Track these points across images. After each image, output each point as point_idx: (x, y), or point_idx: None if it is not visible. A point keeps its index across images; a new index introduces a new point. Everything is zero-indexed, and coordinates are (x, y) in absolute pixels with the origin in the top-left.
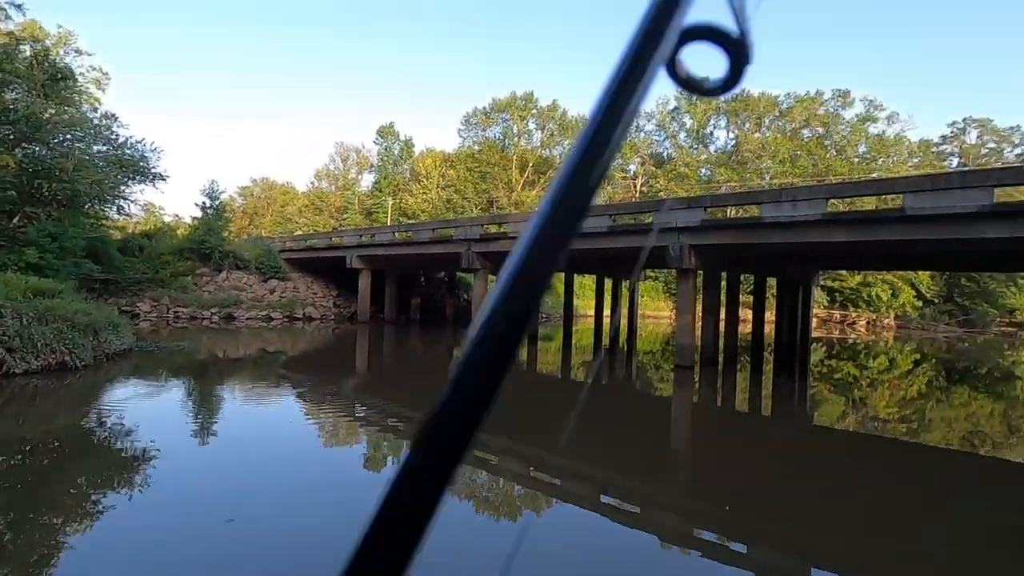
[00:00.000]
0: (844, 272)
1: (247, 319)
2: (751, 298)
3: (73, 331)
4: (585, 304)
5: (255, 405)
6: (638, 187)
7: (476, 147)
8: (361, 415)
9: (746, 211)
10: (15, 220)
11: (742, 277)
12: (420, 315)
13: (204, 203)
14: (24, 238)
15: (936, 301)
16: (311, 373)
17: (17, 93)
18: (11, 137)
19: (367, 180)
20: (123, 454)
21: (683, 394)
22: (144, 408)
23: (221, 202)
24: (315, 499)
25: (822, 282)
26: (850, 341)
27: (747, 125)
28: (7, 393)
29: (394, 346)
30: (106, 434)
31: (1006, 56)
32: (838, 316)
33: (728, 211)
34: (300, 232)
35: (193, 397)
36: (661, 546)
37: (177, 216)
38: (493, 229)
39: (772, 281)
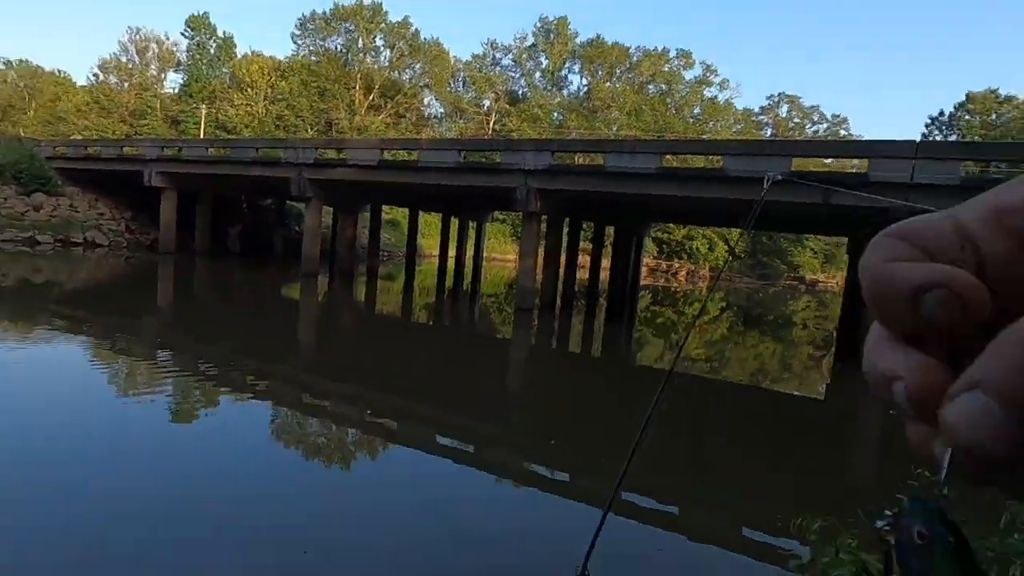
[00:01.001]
0: (672, 225)
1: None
2: (590, 245)
3: None
4: (430, 243)
5: (14, 350)
6: (490, 124)
7: (314, 58)
8: (163, 362)
9: (592, 159)
10: None
11: (584, 224)
12: (241, 246)
13: None
14: None
15: (743, 256)
16: (95, 311)
17: None
18: None
19: (173, 80)
20: None
21: (521, 336)
22: None
23: None
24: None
25: (653, 233)
26: (672, 288)
27: (600, 73)
28: None
29: (206, 281)
30: None
31: (820, 41)
32: (664, 266)
33: (576, 158)
34: (79, 137)
35: None
36: (491, 481)
37: None
38: (331, 154)
39: (610, 230)
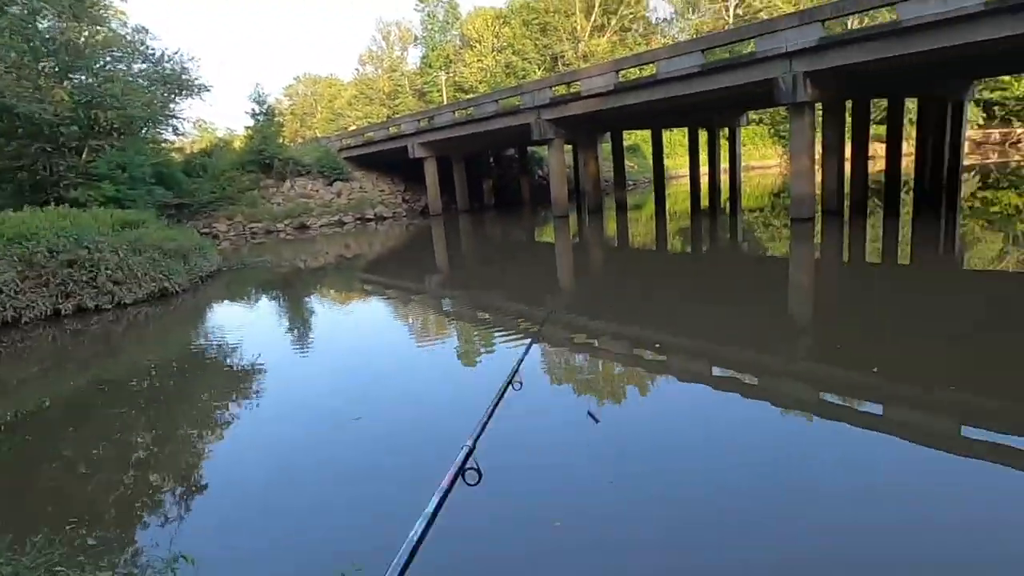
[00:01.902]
0: (1007, 78)
1: (320, 226)
2: (882, 129)
3: (166, 258)
4: (677, 163)
5: (343, 313)
6: (731, 11)
7: None
8: (449, 310)
9: (872, 18)
10: (83, 156)
11: (872, 104)
12: (495, 200)
13: (253, 110)
14: (97, 172)
15: None
16: (393, 275)
17: (49, 20)
18: (56, 69)
19: (414, 56)
20: (240, 371)
21: (802, 251)
22: (248, 326)
23: (270, 106)
24: (426, 392)
25: (977, 95)
26: (1012, 164)
27: None
28: (125, 323)
29: (471, 237)
30: (223, 354)
31: None
32: (997, 136)
33: (850, 22)
34: (354, 127)
35: (287, 311)
36: (783, 415)
37: (230, 129)
38: (563, 91)
39: (911, 105)
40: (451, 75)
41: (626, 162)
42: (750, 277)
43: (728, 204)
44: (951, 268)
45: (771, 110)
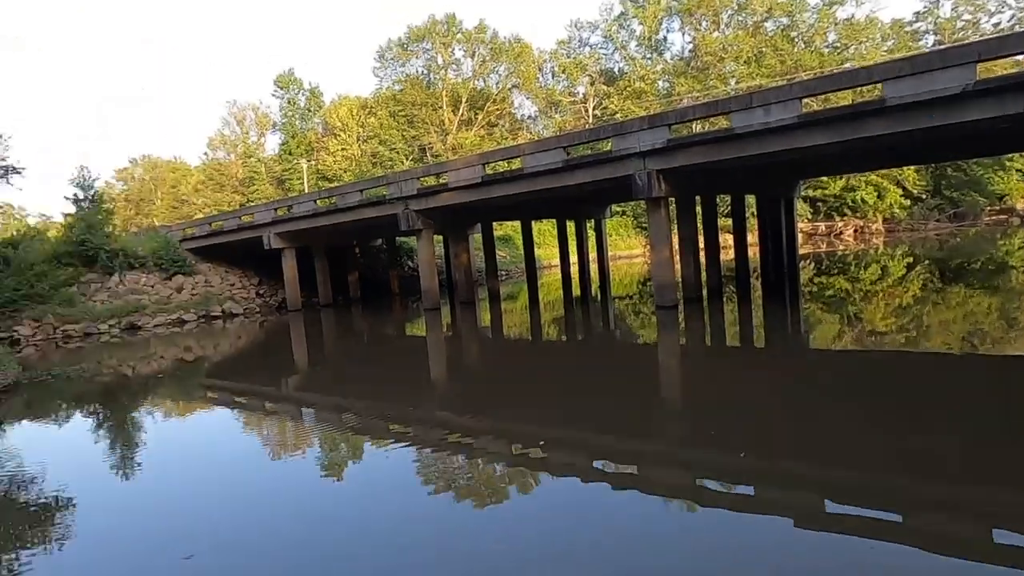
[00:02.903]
0: (825, 179)
1: (154, 326)
2: (730, 222)
3: None
4: (548, 253)
5: (180, 429)
6: (590, 111)
7: (397, 87)
8: (308, 420)
9: (713, 124)
10: None
11: (718, 199)
12: (361, 293)
13: (76, 195)
14: None
15: (924, 197)
16: (241, 377)
17: None
18: None
19: (272, 143)
20: (38, 507)
21: (668, 337)
22: (52, 451)
23: (97, 191)
24: (277, 517)
25: (804, 193)
26: (839, 253)
27: (704, 24)
28: None
29: (335, 333)
30: (15, 487)
31: None
32: (823, 228)
33: (693, 127)
34: (200, 215)
35: (105, 428)
36: (666, 504)
37: (45, 216)
38: (431, 182)
39: (751, 200)
40: (314, 163)
41: (497, 252)
42: (624, 365)
43: (599, 293)
44: (800, 349)
45: (632, 203)
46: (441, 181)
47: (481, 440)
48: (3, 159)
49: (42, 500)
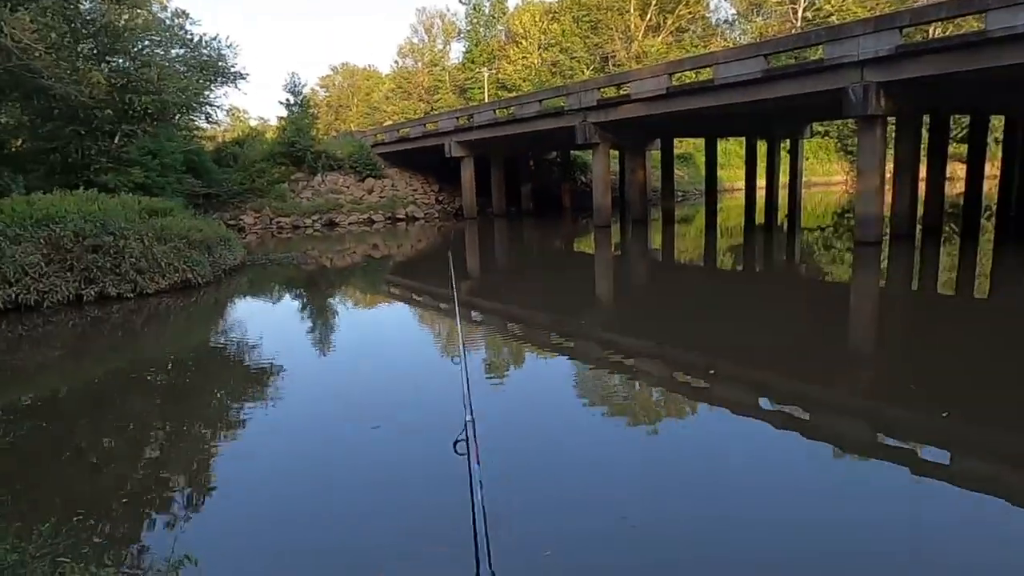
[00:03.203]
0: None
1: (349, 224)
2: (963, 148)
3: (191, 249)
4: (732, 175)
5: (368, 317)
6: (799, 14)
7: None
8: (478, 320)
9: (959, 26)
10: (116, 140)
11: (952, 120)
12: (533, 205)
13: (287, 100)
14: (127, 158)
15: None
16: (419, 278)
17: (90, 2)
18: (95, 52)
19: (456, 51)
20: (258, 371)
21: (865, 277)
22: (267, 323)
23: (305, 97)
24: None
25: None
26: None
27: None
28: (145, 313)
29: (504, 245)
30: (242, 352)
31: None
32: None
33: (932, 30)
34: (389, 122)
35: (308, 310)
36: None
37: (263, 119)
38: (612, 93)
39: (997, 121)
40: (494, 72)
41: (676, 171)
42: (806, 304)
43: (786, 222)
44: None
45: (838, 122)
46: (622, 92)
47: (639, 360)
48: (232, 65)
49: (261, 364)
